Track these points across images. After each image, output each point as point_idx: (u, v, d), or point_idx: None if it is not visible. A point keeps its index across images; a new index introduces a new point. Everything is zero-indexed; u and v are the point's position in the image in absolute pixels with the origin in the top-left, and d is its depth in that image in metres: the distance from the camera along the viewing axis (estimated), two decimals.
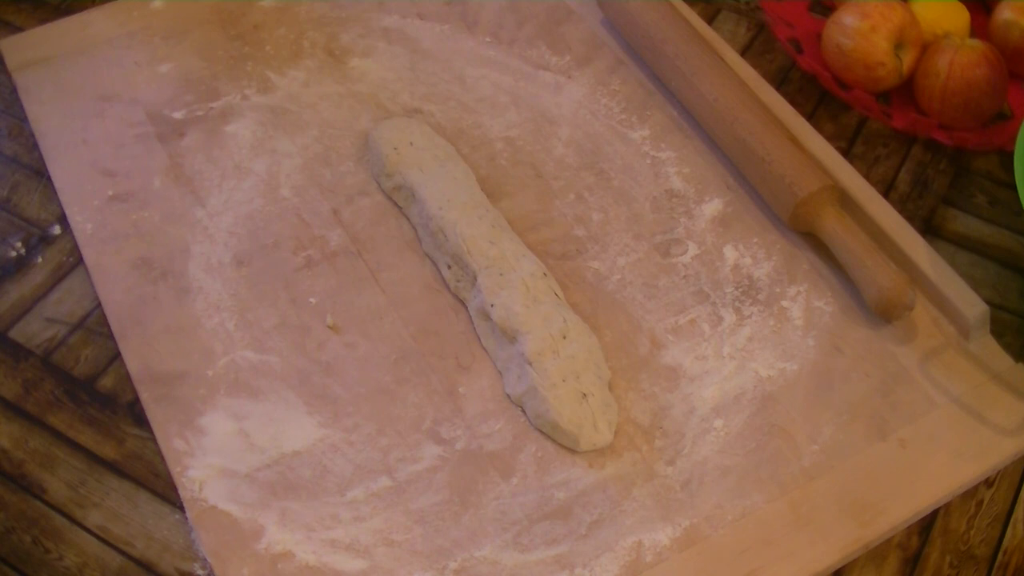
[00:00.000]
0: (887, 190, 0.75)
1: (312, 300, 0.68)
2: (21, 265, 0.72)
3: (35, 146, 0.77)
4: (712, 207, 0.73)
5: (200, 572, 0.58)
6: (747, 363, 0.65)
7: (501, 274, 0.66)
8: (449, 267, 0.68)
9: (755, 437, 0.62)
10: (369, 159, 0.75)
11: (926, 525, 0.60)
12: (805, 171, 0.69)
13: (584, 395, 0.61)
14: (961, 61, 0.73)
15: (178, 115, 0.78)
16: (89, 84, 0.80)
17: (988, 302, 0.66)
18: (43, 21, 0.85)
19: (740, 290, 0.68)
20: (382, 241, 0.71)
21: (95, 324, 0.68)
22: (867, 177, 0.73)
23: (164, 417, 0.63)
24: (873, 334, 0.66)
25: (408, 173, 0.72)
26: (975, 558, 0.60)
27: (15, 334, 0.68)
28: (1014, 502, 0.61)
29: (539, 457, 0.61)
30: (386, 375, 0.65)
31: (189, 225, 0.72)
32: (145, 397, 0.64)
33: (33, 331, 0.68)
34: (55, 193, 0.74)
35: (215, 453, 0.61)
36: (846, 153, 0.77)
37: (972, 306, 0.65)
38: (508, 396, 0.64)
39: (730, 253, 0.70)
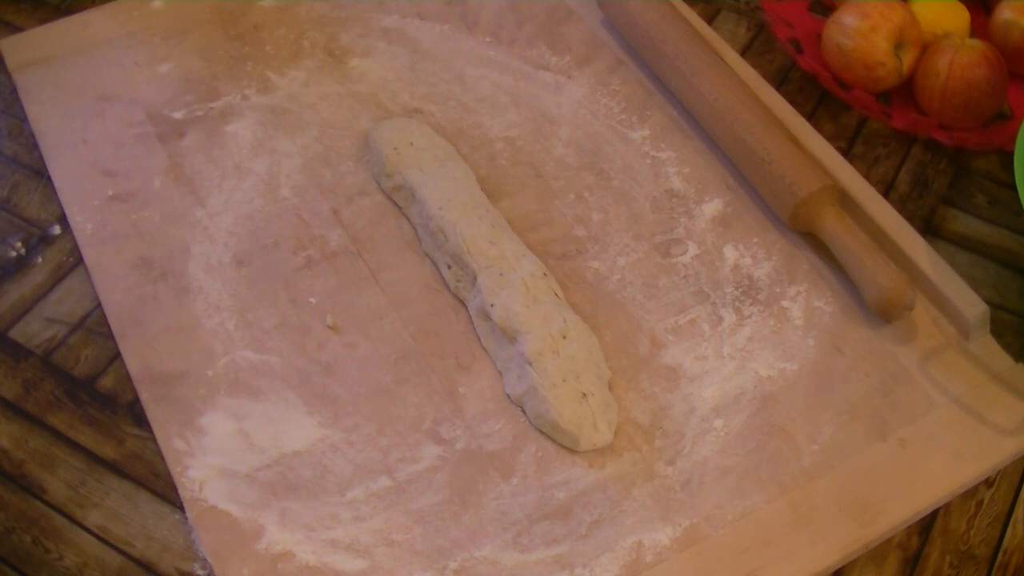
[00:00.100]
0: (887, 190, 0.75)
1: (312, 300, 0.68)
2: (21, 265, 0.71)
3: (35, 146, 0.77)
4: (712, 207, 0.73)
5: (200, 572, 0.58)
6: (747, 363, 0.65)
7: (501, 274, 0.66)
8: (449, 267, 0.68)
9: (755, 437, 0.62)
10: (369, 159, 0.75)
11: (926, 525, 0.60)
12: (805, 171, 0.69)
13: (584, 395, 0.61)
14: (961, 61, 0.73)
15: (178, 115, 0.78)
16: (89, 84, 0.80)
17: (988, 302, 0.66)
18: (43, 21, 0.84)
19: (740, 290, 0.68)
20: (382, 241, 0.71)
21: (95, 324, 0.68)
22: (867, 177, 0.73)
23: (164, 417, 0.63)
24: (873, 334, 0.66)
25: (408, 173, 0.72)
26: (975, 558, 0.59)
27: (15, 334, 0.68)
28: (1014, 502, 0.61)
29: (539, 457, 0.61)
30: (386, 375, 0.65)
31: (189, 225, 0.72)
32: (145, 397, 0.64)
33: (33, 331, 0.68)
34: (55, 193, 0.74)
35: (215, 453, 0.61)
36: (846, 153, 0.77)
37: (972, 306, 0.65)
38: (508, 396, 0.64)
39: (730, 253, 0.70)
